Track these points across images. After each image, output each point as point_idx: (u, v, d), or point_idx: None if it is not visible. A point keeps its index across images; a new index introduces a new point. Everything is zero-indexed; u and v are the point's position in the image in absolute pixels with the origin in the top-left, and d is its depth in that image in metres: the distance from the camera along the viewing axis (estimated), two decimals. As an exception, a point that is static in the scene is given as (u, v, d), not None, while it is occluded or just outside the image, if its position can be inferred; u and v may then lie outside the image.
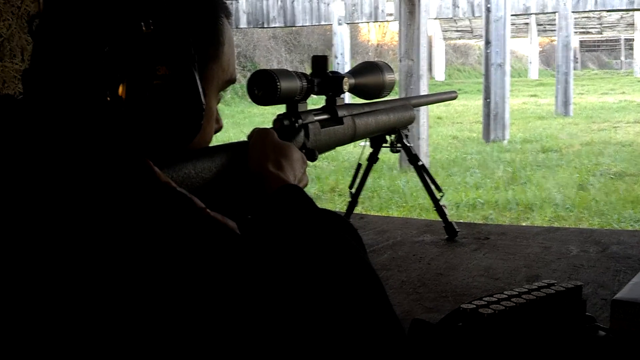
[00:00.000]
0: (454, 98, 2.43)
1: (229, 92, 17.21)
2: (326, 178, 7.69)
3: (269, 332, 0.65)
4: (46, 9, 0.81)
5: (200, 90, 0.80)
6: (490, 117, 10.85)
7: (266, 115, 13.36)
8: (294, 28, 19.70)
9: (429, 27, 10.30)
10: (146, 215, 0.67)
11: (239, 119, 14.39)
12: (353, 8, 15.15)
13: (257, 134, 1.04)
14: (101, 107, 0.75)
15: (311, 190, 7.03)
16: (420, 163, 2.27)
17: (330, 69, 1.46)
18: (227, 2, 0.93)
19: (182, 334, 0.62)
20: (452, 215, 5.80)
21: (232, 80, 0.95)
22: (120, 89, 0.74)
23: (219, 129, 0.98)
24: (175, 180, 0.85)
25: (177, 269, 0.64)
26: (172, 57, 0.78)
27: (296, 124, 1.29)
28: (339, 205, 6.11)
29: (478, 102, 11.45)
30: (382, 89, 1.67)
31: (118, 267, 0.63)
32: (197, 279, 0.64)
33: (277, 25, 15.60)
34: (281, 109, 1.29)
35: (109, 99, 0.74)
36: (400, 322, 0.73)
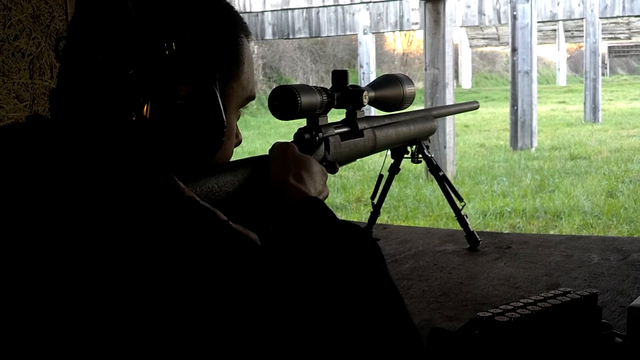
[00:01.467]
0: (476, 108, 2.44)
1: (255, 104, 17.31)
2: (352, 188, 7.71)
3: (290, 343, 0.67)
4: (72, 31, 0.84)
5: (222, 108, 0.83)
6: (518, 125, 10.80)
7: (292, 126, 13.38)
8: (319, 38, 19.74)
9: (455, 34, 10.29)
10: (171, 226, 0.69)
11: (265, 129, 14.46)
12: (378, 17, 15.17)
13: (278, 148, 1.07)
14: (127, 126, 0.78)
15: (337, 200, 7.05)
16: (441, 173, 2.29)
17: (350, 83, 1.49)
18: (245, 17, 0.97)
19: (204, 343, 0.64)
20: (478, 223, 5.81)
21: (251, 97, 0.98)
22: (145, 109, 0.77)
23: (238, 143, 1.01)
24: (198, 194, 0.88)
25: (200, 279, 0.66)
26: (195, 77, 0.81)
27: (317, 138, 1.31)
28: (364, 215, 6.12)
29: (505, 109, 11.41)
30: (402, 102, 1.69)
31: (143, 277, 0.66)
32: (220, 289, 0.66)
33: (302, 36, 15.65)
34: (303, 121, 1.32)
35: (134, 119, 0.77)
36: (418, 333, 0.74)
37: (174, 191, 0.75)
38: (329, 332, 0.69)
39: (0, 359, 0.65)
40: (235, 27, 0.93)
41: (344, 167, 1.39)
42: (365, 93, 1.50)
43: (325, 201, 1.05)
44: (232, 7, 0.95)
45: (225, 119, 0.84)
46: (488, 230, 4.65)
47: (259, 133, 13.80)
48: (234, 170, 0.98)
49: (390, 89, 1.65)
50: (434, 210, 6.53)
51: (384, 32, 18.22)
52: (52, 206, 0.69)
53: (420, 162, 2.19)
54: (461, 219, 2.27)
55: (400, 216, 6.26)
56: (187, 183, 0.86)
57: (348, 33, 15.70)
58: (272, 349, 0.66)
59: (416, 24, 14.49)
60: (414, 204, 6.81)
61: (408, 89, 1.69)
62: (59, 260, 0.66)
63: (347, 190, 7.60)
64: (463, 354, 1.25)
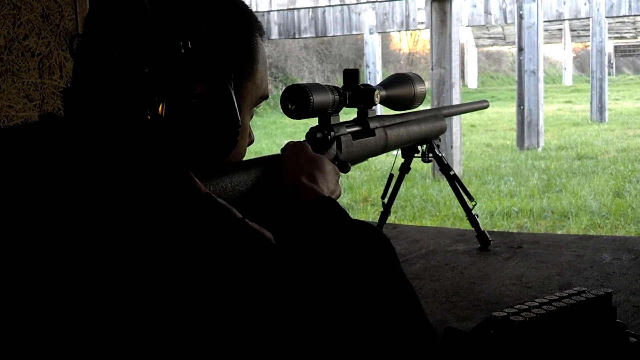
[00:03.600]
0: (486, 107, 2.43)
1: (261, 105, 17.26)
2: (359, 188, 7.71)
3: (305, 341, 0.67)
4: (87, 29, 0.85)
5: (237, 107, 0.83)
6: (524, 124, 10.78)
7: (298, 126, 13.42)
8: (325, 38, 19.74)
9: (461, 34, 10.29)
10: (188, 223, 0.70)
11: (271, 129, 14.47)
12: (384, 17, 15.16)
13: (291, 148, 1.07)
14: (142, 125, 0.78)
15: (344, 200, 7.05)
16: (452, 173, 2.28)
17: (362, 81, 1.48)
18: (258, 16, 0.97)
19: (218, 339, 0.65)
20: (486, 223, 5.80)
21: (265, 97, 0.98)
22: (160, 108, 0.77)
23: (250, 142, 1.01)
24: (213, 193, 0.88)
25: (216, 276, 0.67)
26: (210, 76, 0.81)
27: (329, 137, 1.31)
28: (371, 215, 6.12)
29: (511, 109, 11.40)
30: (412, 100, 1.69)
31: (160, 273, 0.66)
32: (236, 285, 0.67)
33: (308, 35, 15.66)
34: (314, 121, 1.32)
35: (149, 117, 0.77)
36: (434, 331, 0.74)
37: (191, 188, 0.75)
38: (344, 330, 0.69)
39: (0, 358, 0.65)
40: (250, 26, 0.93)
41: (351, 168, 1.39)
42: (376, 92, 1.50)
43: None
44: (247, 6, 0.95)
45: (240, 118, 0.83)
46: (496, 230, 4.64)
47: (265, 133, 13.80)
48: (247, 170, 0.98)
49: (402, 88, 1.65)
50: (441, 210, 6.52)
51: (390, 32, 18.23)
52: (67, 206, 0.69)
53: (430, 161, 2.19)
54: (472, 219, 2.27)
55: (407, 216, 6.25)
56: (201, 182, 0.85)
57: (354, 33, 15.71)
58: (286, 346, 0.66)
59: (422, 23, 14.49)
60: (421, 203, 6.80)
61: (419, 88, 1.69)
62: (73, 260, 0.66)
63: (354, 190, 7.59)
64: (478, 353, 1.24)
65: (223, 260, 0.68)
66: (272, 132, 13.93)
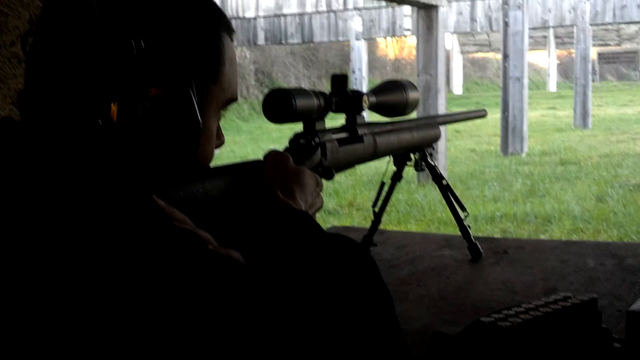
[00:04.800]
0: (483, 116, 2.35)
1: (246, 109, 17.29)
2: (344, 193, 7.72)
3: (280, 358, 0.65)
4: (38, 28, 0.79)
5: (197, 110, 0.78)
6: (509, 130, 10.85)
7: (283, 131, 13.36)
8: (311, 44, 19.75)
9: (447, 40, 10.31)
10: (148, 255, 0.66)
11: (257, 134, 14.46)
12: (370, 23, 15.21)
13: (270, 159, 1.02)
14: (94, 131, 0.73)
15: (329, 205, 7.05)
16: (444, 182, 2.21)
17: (349, 87, 1.47)
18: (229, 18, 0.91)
19: None
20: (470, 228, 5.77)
21: (233, 99, 0.92)
22: (112, 112, 0.73)
23: (220, 144, 0.96)
24: (182, 199, 0.85)
25: (182, 307, 0.64)
26: (166, 78, 0.76)
27: (313, 142, 1.29)
28: (357, 219, 6.14)
29: (496, 115, 11.45)
30: (405, 107, 1.65)
31: (119, 307, 0.63)
32: (204, 314, 0.64)
33: (294, 41, 15.68)
34: (299, 126, 1.30)
35: (100, 122, 0.73)
36: (408, 347, 0.73)
37: (149, 215, 0.72)
38: (317, 348, 0.68)
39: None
40: (215, 24, 0.86)
41: (335, 175, 1.37)
42: (365, 97, 1.47)
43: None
44: (213, 2, 0.88)
45: (201, 122, 0.79)
46: (480, 234, 4.67)
47: (251, 138, 13.79)
48: (222, 175, 0.95)
49: (393, 94, 1.62)
50: (426, 215, 6.55)
51: (376, 38, 18.27)
52: (15, 223, 0.66)
53: (423, 170, 2.15)
54: (464, 230, 2.21)
55: (392, 221, 6.27)
56: (170, 187, 0.83)
57: (340, 39, 15.76)
58: None
59: (408, 30, 14.55)
60: (406, 208, 6.83)
61: (412, 95, 1.66)
62: (19, 278, 0.64)
63: (339, 195, 7.60)
64: (465, 358, 1.26)
65: (189, 291, 0.65)
66: (257, 137, 13.92)
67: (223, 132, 0.96)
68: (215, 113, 0.88)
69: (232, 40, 0.89)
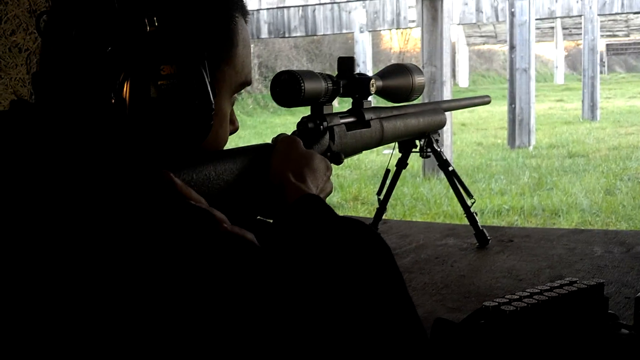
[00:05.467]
0: (487, 102, 2.36)
1: (250, 104, 17.29)
2: (349, 187, 7.69)
3: (292, 342, 0.64)
4: (53, 5, 0.79)
5: (209, 91, 0.78)
6: (516, 123, 10.79)
7: (288, 126, 13.40)
8: (315, 37, 19.73)
9: (453, 33, 10.28)
10: (163, 233, 0.66)
11: (261, 129, 14.45)
12: (375, 15, 15.16)
13: (281, 142, 1.02)
14: (106, 109, 0.73)
15: (334, 199, 7.03)
16: (450, 169, 2.20)
17: (356, 71, 1.44)
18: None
19: (205, 349, 0.62)
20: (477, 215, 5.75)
21: (246, 83, 0.92)
22: (124, 91, 0.73)
23: (234, 130, 0.95)
24: (195, 181, 0.85)
25: (196, 285, 0.63)
26: (179, 57, 0.76)
27: (321, 127, 1.27)
28: (362, 213, 6.10)
29: (503, 107, 11.42)
30: (410, 92, 1.64)
31: (134, 285, 0.62)
32: (218, 294, 0.63)
33: (298, 34, 15.64)
34: (306, 111, 1.28)
35: (113, 101, 0.73)
36: (424, 328, 0.72)
37: (167, 192, 0.71)
38: (331, 331, 0.67)
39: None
40: (229, 4, 0.86)
41: (340, 166, 1.35)
42: (372, 81, 1.45)
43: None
44: None
45: (213, 102, 0.78)
46: (487, 225, 4.64)
47: (255, 132, 13.78)
48: (234, 158, 0.94)
49: (399, 78, 1.60)
50: (432, 209, 6.52)
51: (380, 30, 18.23)
52: (28, 204, 0.65)
53: (429, 156, 2.13)
54: (470, 217, 2.20)
55: (397, 214, 6.23)
56: (183, 169, 0.83)
57: (344, 31, 15.71)
58: (274, 349, 0.63)
59: (413, 21, 14.49)
60: (412, 202, 6.79)
61: (418, 80, 1.64)
62: (33, 263, 0.63)
63: (344, 189, 7.57)
64: (468, 343, 1.23)
65: (202, 268, 0.64)
66: (262, 132, 13.91)
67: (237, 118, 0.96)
68: (228, 95, 0.89)
69: (246, 22, 0.89)
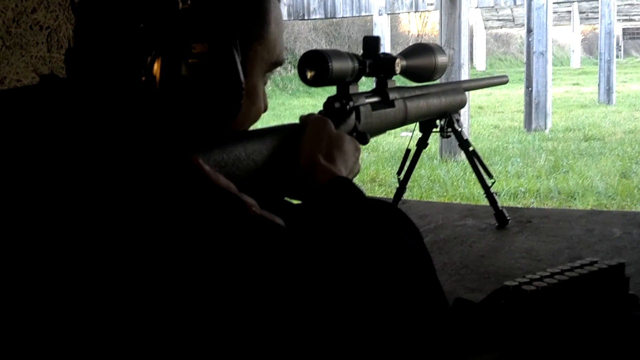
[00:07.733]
0: (505, 82, 2.39)
1: (269, 85, 17.22)
2: (366, 168, 7.68)
3: (322, 326, 0.65)
4: None
5: (240, 69, 0.77)
6: (532, 106, 10.73)
7: (306, 107, 13.35)
8: (334, 19, 19.64)
9: (470, 16, 10.20)
10: (194, 216, 0.66)
11: (280, 111, 14.41)
12: (393, -2, 15.08)
13: (312, 123, 1.02)
14: (137, 87, 0.73)
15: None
16: (471, 149, 2.21)
17: (381, 51, 1.44)
18: None
19: (235, 331, 0.62)
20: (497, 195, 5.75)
21: (279, 62, 0.92)
22: (155, 68, 0.72)
23: (263, 110, 0.94)
24: (226, 162, 0.84)
25: (225, 271, 0.63)
26: (210, 35, 0.75)
27: (347, 106, 1.27)
28: (379, 194, 6.10)
29: (520, 91, 11.34)
30: (433, 72, 1.64)
31: (167, 265, 0.62)
32: (246, 279, 0.63)
33: (317, 17, 15.57)
34: (325, 93, 1.28)
35: (143, 78, 0.72)
36: (451, 316, 0.73)
37: (195, 179, 0.70)
38: (362, 311, 0.67)
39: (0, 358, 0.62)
40: None
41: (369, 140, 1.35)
42: (397, 61, 1.45)
43: None
44: None
45: (243, 81, 0.78)
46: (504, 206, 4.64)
47: (274, 114, 13.75)
48: (263, 139, 0.94)
49: (422, 58, 1.60)
50: (449, 191, 6.50)
51: (399, 13, 18.12)
52: (60, 182, 0.65)
53: (449, 136, 2.14)
54: (490, 197, 2.21)
55: (414, 195, 6.22)
56: (214, 149, 0.83)
57: (363, 14, 15.62)
58: (304, 331, 0.64)
59: (432, 4, 14.40)
60: (429, 184, 6.78)
61: (440, 59, 1.64)
62: (70, 250, 0.62)
63: (362, 171, 7.52)
64: (488, 323, 1.24)
65: (232, 253, 0.64)
66: (280, 114, 13.88)
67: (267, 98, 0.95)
68: (260, 74, 0.88)
69: (279, 0, 0.89)
